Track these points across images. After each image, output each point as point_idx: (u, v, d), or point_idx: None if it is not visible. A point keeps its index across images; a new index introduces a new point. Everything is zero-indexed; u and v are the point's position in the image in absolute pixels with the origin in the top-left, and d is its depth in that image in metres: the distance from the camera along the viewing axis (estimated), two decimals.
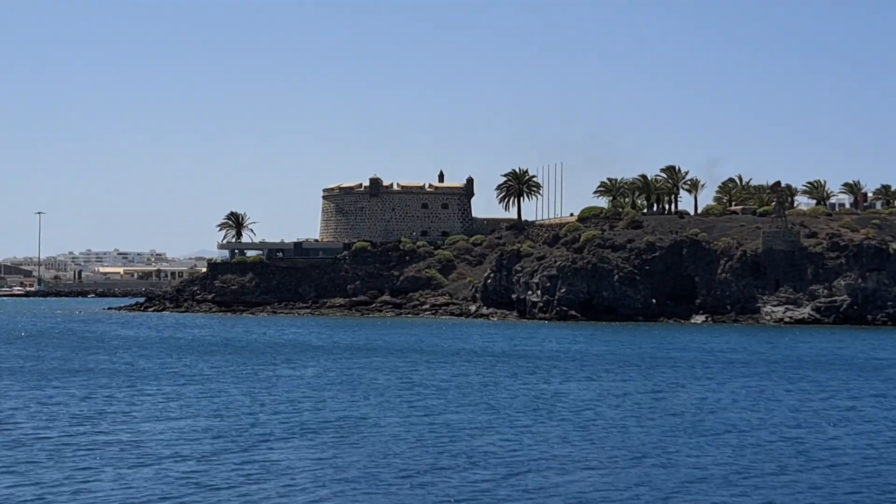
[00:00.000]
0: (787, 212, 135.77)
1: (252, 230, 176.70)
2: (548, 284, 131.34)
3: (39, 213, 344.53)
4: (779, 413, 47.62)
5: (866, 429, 43.65)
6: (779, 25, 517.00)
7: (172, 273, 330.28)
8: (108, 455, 35.88)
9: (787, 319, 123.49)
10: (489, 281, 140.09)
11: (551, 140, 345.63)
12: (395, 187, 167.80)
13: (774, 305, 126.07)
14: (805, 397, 53.65)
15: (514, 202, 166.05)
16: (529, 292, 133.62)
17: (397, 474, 33.25)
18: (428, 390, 55.00)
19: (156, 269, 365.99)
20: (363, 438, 39.67)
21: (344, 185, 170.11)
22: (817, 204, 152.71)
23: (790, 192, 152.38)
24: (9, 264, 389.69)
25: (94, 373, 63.72)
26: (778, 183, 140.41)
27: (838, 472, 34.65)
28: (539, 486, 31.86)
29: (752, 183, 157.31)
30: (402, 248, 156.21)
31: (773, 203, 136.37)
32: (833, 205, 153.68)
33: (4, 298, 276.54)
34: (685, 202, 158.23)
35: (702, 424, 43.87)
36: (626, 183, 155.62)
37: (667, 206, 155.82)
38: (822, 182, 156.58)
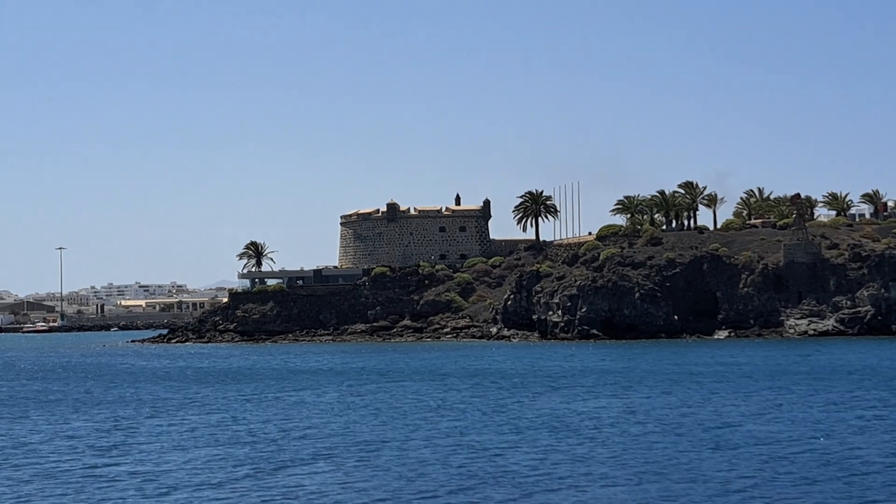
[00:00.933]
0: (807, 224, 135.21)
1: (272, 259, 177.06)
2: (568, 304, 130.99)
3: (60, 248, 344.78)
4: (803, 424, 47.27)
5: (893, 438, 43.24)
6: (792, 35, 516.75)
7: (194, 304, 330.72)
8: (129, 485, 35.85)
9: (810, 332, 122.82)
10: (509, 302, 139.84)
11: (564, 160, 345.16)
12: (412, 212, 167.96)
13: (798, 318, 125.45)
14: (829, 408, 53.25)
15: (531, 223, 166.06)
16: (550, 313, 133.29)
17: (423, 495, 33.10)
18: (452, 412, 54.83)
19: (177, 300, 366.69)
20: (388, 461, 39.54)
21: (361, 212, 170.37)
22: (837, 215, 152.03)
23: (810, 203, 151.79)
24: (32, 300, 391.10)
25: (119, 403, 63.78)
26: (797, 195, 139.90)
27: (865, 481, 34.33)
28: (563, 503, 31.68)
29: (772, 196, 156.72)
30: (421, 272, 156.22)
31: (793, 215, 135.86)
32: (853, 215, 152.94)
33: (29, 334, 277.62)
34: (704, 217, 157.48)
35: (726, 438, 43.57)
36: (643, 200, 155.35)
37: (686, 222, 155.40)
38: (842, 193, 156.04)
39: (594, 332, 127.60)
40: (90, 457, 42.22)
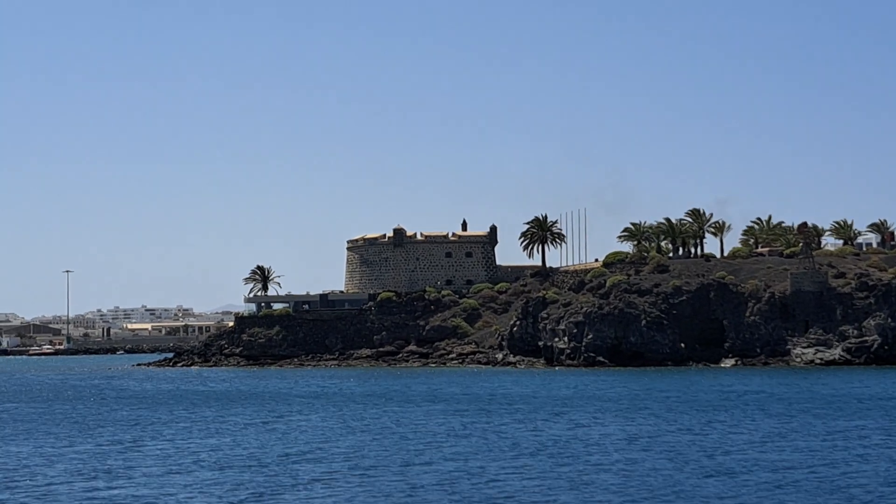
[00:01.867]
0: (814, 252, 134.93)
1: (278, 283, 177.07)
2: (574, 331, 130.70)
3: (67, 271, 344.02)
4: (809, 452, 46.99)
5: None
6: (799, 63, 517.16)
7: (200, 328, 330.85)
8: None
9: (817, 361, 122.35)
10: (515, 329, 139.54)
11: (569, 187, 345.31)
12: (418, 237, 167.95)
13: (804, 347, 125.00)
14: (835, 437, 52.94)
15: (538, 249, 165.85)
16: (556, 339, 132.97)
17: None
18: (455, 437, 54.59)
19: (183, 324, 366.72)
20: (388, 485, 39.31)
21: (368, 237, 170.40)
22: (844, 244, 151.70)
23: (817, 232, 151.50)
24: (38, 323, 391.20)
25: (122, 424, 63.62)
26: (805, 223, 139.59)
27: None
28: None
29: (780, 224, 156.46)
30: (427, 297, 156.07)
31: (800, 244, 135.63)
32: (860, 244, 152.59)
33: (34, 357, 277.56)
34: (711, 245, 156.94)
35: (729, 465, 43.29)
36: (650, 227, 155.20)
37: (693, 250, 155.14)
38: (849, 222, 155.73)
39: (600, 359, 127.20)
40: (89, 480, 42.03)
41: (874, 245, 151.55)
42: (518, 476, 41.25)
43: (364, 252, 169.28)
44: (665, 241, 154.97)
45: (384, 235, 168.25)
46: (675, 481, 39.57)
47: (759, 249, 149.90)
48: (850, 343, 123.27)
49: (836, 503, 35.40)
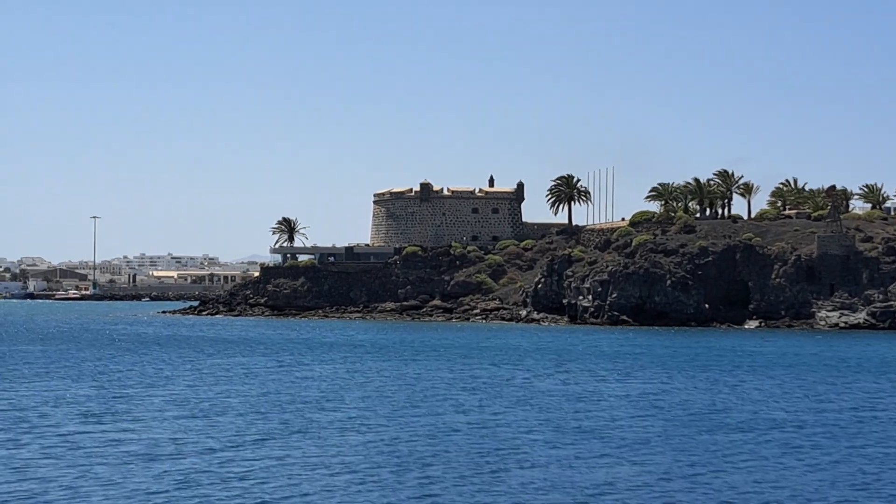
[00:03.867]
0: (842, 216, 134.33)
1: (304, 235, 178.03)
2: (599, 289, 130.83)
3: (94, 217, 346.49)
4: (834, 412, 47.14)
5: None
6: (824, 18, 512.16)
7: (225, 277, 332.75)
8: (120, 452, 36.24)
9: (841, 325, 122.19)
10: (540, 286, 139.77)
11: (596, 145, 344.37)
12: (445, 192, 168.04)
13: (829, 311, 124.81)
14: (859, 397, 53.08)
15: (564, 207, 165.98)
16: (581, 297, 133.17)
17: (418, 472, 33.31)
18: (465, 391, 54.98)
19: (209, 273, 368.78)
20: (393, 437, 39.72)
21: (395, 190, 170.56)
22: (873, 208, 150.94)
23: (845, 195, 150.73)
24: (64, 268, 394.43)
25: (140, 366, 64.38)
26: (833, 186, 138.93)
27: None
28: (592, 482, 31.80)
29: (807, 187, 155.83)
30: (452, 252, 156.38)
31: (828, 207, 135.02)
32: (888, 209, 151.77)
33: (61, 301, 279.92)
34: (738, 206, 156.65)
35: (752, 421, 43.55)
36: (678, 187, 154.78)
37: (720, 211, 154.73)
38: (878, 185, 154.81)
39: (624, 317, 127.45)
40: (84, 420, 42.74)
41: None
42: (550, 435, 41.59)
43: (390, 206, 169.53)
44: (692, 202, 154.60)
45: (411, 189, 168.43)
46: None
47: (787, 212, 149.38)
48: (875, 307, 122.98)
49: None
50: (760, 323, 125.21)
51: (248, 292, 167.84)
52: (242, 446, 38.33)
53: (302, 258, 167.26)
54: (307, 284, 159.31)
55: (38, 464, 34.68)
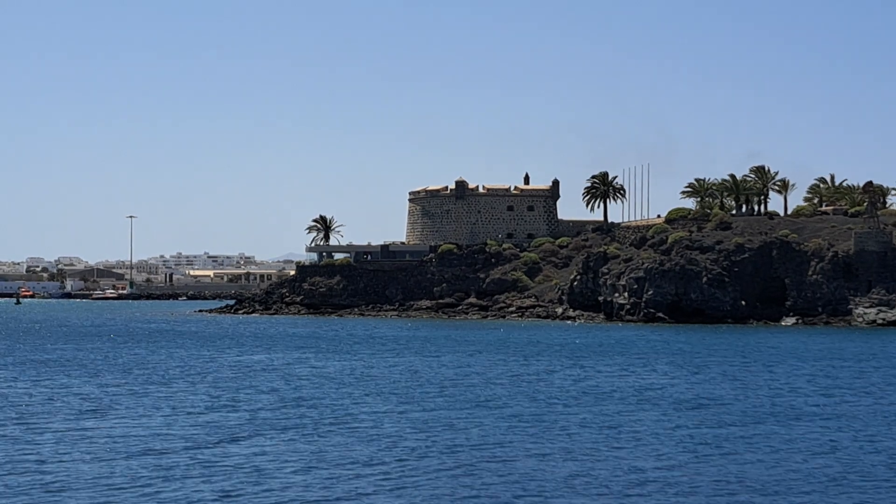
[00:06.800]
0: (879, 212, 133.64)
1: (340, 233, 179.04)
2: (635, 286, 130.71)
3: (131, 216, 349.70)
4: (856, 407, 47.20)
5: None
6: (852, 20, 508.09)
7: (261, 276, 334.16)
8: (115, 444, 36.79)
9: (879, 321, 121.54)
10: (575, 283, 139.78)
11: (630, 143, 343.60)
12: (480, 190, 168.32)
13: (867, 307, 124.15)
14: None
15: (599, 204, 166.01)
16: (616, 294, 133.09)
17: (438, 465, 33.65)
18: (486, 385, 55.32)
19: (245, 271, 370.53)
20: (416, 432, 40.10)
21: (430, 188, 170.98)
22: None
23: (882, 192, 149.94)
24: (101, 267, 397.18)
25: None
26: (870, 183, 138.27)
27: None
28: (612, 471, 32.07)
29: (844, 183, 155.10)
30: (487, 250, 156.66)
31: (865, 203, 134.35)
32: None
33: (98, 301, 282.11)
34: (774, 203, 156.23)
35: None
36: (713, 184, 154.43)
37: (756, 207, 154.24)
38: None
39: (660, 315, 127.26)
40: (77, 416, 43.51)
41: None
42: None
43: (426, 204, 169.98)
44: (728, 198, 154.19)
45: (446, 187, 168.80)
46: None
47: (824, 208, 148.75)
48: None
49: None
50: (797, 320, 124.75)
51: (285, 291, 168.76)
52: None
53: (338, 256, 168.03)
54: (343, 283, 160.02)
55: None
